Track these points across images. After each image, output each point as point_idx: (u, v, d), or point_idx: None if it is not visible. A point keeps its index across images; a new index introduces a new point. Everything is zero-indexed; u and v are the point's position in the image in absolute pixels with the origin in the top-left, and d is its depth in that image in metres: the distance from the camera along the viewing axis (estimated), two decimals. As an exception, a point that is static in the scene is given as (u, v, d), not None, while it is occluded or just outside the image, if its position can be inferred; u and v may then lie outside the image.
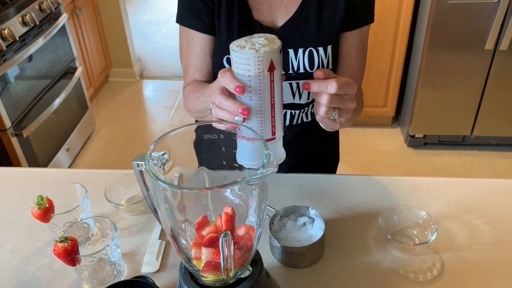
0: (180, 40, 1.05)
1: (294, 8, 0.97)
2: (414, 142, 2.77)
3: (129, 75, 3.65)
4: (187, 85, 1.05)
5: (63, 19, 2.54)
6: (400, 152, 2.78)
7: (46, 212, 0.88)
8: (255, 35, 0.76)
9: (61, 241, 0.79)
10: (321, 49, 0.98)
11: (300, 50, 0.98)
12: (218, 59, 1.01)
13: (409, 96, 2.70)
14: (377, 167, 2.66)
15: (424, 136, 2.73)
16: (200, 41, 1.01)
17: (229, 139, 0.69)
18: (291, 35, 0.97)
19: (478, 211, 0.98)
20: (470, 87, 2.48)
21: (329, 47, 0.98)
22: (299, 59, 0.98)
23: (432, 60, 2.41)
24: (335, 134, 1.27)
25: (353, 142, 2.82)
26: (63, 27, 2.58)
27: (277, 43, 0.73)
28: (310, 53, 0.98)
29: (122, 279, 0.87)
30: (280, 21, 0.98)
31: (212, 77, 1.06)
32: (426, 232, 0.89)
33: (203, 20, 0.98)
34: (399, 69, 2.65)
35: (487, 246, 0.90)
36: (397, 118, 2.99)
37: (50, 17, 2.45)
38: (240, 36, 0.82)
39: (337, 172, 1.31)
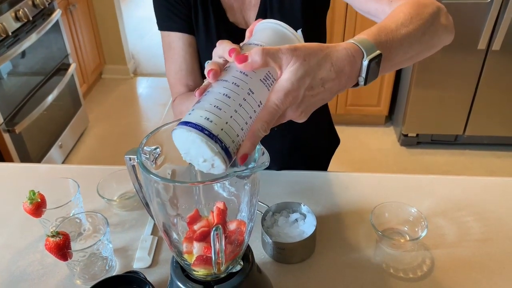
0: (163, 49, 1.03)
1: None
2: (407, 141, 2.78)
3: (123, 72, 3.64)
4: (176, 98, 1.03)
5: (57, 15, 2.53)
6: (393, 151, 2.79)
7: (38, 207, 0.88)
8: None
9: (53, 236, 0.79)
10: None
11: None
12: (202, 61, 1.02)
13: (402, 96, 2.72)
14: (370, 166, 2.68)
15: (417, 135, 2.75)
16: (180, 44, 0.99)
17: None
18: None
19: (468, 208, 0.99)
20: (463, 86, 2.50)
21: (299, 32, 0.98)
22: None
23: (425, 60, 2.39)
24: (326, 117, 1.26)
25: (346, 141, 2.83)
26: (57, 23, 2.56)
27: None
28: None
29: (114, 274, 0.87)
30: (252, 21, 0.98)
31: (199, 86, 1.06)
32: (416, 229, 0.90)
33: (182, 18, 0.98)
34: (393, 68, 2.66)
35: (476, 243, 0.91)
36: (390, 117, 3.01)
37: (44, 13, 2.43)
38: (218, 38, 0.79)
39: (330, 170, 1.32)
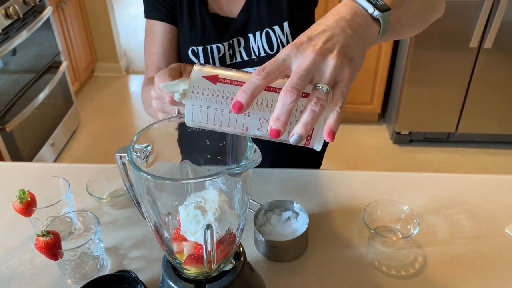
0: (145, 33, 1.06)
1: None
2: (399, 139, 2.79)
3: (115, 70, 3.62)
4: (144, 81, 1.06)
5: (48, 12, 2.51)
6: (386, 148, 2.80)
7: (28, 206, 0.87)
8: None
9: (43, 235, 0.78)
10: (277, 28, 0.99)
11: (258, 33, 0.99)
12: (184, 51, 1.04)
13: (395, 93, 2.73)
14: (363, 163, 2.68)
15: (410, 133, 2.76)
16: (161, 30, 1.03)
17: (213, 132, 0.69)
18: (248, 20, 0.99)
19: (460, 206, 0.99)
20: (455, 84, 2.51)
21: (285, 24, 0.99)
22: (258, 42, 0.99)
23: (417, 58, 2.43)
24: None
25: (339, 139, 2.83)
26: (48, 21, 2.54)
27: None
28: (267, 34, 0.99)
29: (105, 273, 0.87)
30: (238, 10, 1.00)
31: None
32: (408, 227, 0.90)
33: (166, 8, 1.00)
34: (386, 67, 2.67)
35: (468, 240, 0.91)
36: (383, 115, 3.01)
37: (34, 10, 2.41)
38: (203, 28, 0.91)
39: (323, 168, 1.32)
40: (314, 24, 0.58)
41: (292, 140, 0.54)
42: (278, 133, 0.52)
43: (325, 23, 0.56)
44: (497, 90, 2.51)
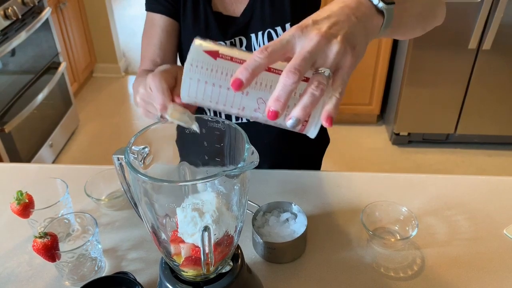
0: (145, 25, 1.06)
1: None
2: (398, 140, 2.79)
3: (114, 71, 3.62)
4: (138, 72, 1.05)
5: (47, 13, 2.51)
6: (385, 149, 2.80)
7: (25, 207, 0.87)
8: None
9: (41, 237, 0.78)
10: (279, 29, 0.99)
11: (260, 33, 1.00)
12: (186, 48, 1.03)
13: (394, 95, 2.73)
14: (362, 164, 2.68)
15: (409, 134, 2.76)
16: (160, 23, 1.02)
17: (211, 134, 0.69)
18: (251, 20, 1.00)
19: (458, 207, 0.99)
20: (454, 86, 2.51)
21: (288, 25, 1.00)
22: (259, 42, 1.00)
23: (416, 59, 2.43)
24: None
25: (338, 140, 2.83)
26: (47, 21, 2.54)
27: None
28: (269, 34, 1.00)
29: (103, 275, 0.86)
30: (241, 10, 1.01)
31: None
32: (407, 228, 0.90)
33: (168, 2, 1.01)
34: (384, 68, 2.67)
35: (466, 242, 0.91)
36: (382, 116, 3.01)
37: (33, 11, 2.41)
38: (206, 25, 0.91)
39: (321, 169, 1.32)
40: (319, 10, 0.58)
41: (289, 123, 0.53)
42: (276, 114, 0.52)
43: (330, 9, 0.57)
44: (496, 91, 2.51)
